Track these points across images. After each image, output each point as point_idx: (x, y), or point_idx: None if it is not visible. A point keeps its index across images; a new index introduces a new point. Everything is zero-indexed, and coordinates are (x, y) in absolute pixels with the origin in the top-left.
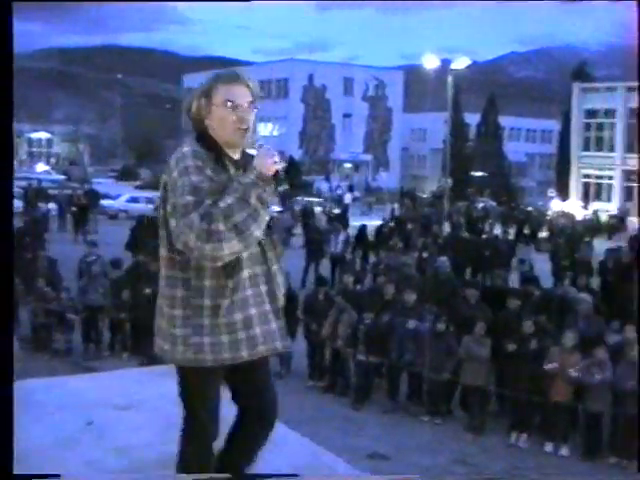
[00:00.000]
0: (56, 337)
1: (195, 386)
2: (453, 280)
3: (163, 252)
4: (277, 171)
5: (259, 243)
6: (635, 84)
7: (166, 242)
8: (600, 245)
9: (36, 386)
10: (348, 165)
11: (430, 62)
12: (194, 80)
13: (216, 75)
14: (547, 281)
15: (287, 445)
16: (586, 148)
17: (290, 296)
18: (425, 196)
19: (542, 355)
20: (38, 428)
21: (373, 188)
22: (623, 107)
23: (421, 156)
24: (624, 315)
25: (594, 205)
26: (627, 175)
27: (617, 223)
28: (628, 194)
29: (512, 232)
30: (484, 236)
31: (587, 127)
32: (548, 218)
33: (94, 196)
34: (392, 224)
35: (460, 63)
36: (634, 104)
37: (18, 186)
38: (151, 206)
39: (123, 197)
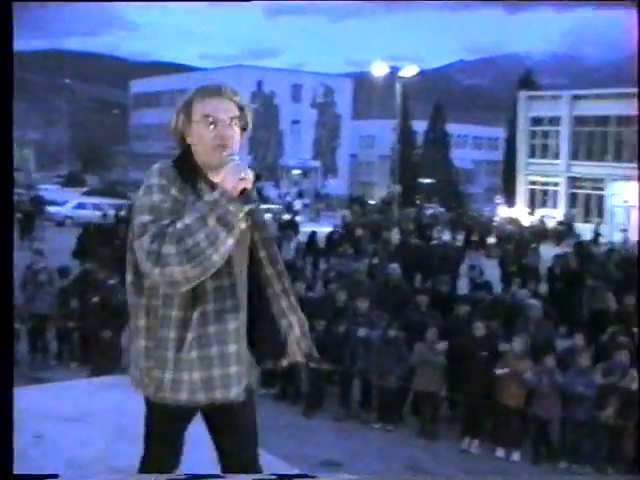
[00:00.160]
0: None
1: (156, 422)
2: (404, 286)
3: (128, 277)
4: (245, 189)
5: (230, 274)
6: (578, 92)
7: (132, 266)
8: (547, 251)
9: None
10: (297, 172)
11: (379, 70)
12: (142, 85)
13: (197, 88)
14: (496, 287)
15: None
16: (532, 155)
17: None
18: (374, 202)
19: (493, 360)
20: None
21: (322, 195)
22: (568, 115)
23: (369, 163)
24: (572, 321)
25: (540, 211)
26: (572, 182)
27: (565, 229)
28: (573, 200)
29: (460, 238)
30: (433, 242)
31: (533, 135)
32: (495, 224)
33: (40, 202)
34: (342, 230)
35: (408, 71)
36: (578, 112)
37: None
38: (98, 213)
39: (70, 204)
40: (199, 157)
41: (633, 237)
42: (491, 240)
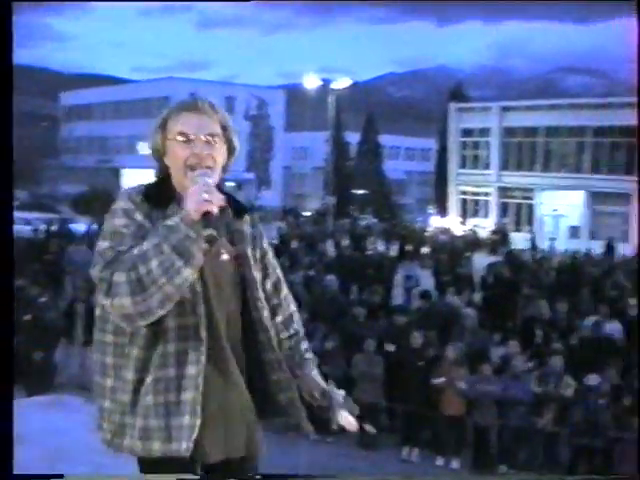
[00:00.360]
0: None
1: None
2: (341, 298)
3: (97, 310)
4: (208, 212)
5: (194, 312)
6: (508, 103)
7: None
8: (481, 260)
9: None
10: (231, 184)
11: (311, 82)
12: (72, 98)
13: (174, 104)
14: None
15: None
16: (463, 166)
17: None
18: (308, 214)
19: (431, 369)
20: None
21: (256, 207)
22: (497, 126)
23: (303, 174)
24: (506, 328)
25: (472, 221)
26: (502, 192)
27: (499, 238)
28: (504, 210)
29: (395, 249)
30: (368, 253)
31: (463, 146)
32: (429, 235)
33: None
34: (277, 243)
35: (340, 83)
36: (507, 123)
37: None
38: (29, 228)
39: None
40: (175, 179)
41: (560, 246)
42: (425, 250)
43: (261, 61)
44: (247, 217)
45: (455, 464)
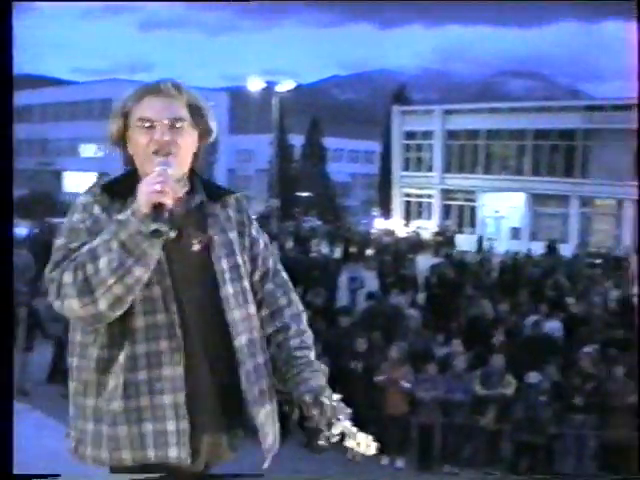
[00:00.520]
0: None
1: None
2: None
3: None
4: (161, 204)
5: (167, 310)
6: (450, 107)
7: None
8: (425, 261)
9: None
10: None
11: (254, 84)
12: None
13: (136, 88)
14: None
15: None
16: (406, 168)
17: None
18: (253, 217)
19: (374, 370)
20: None
21: None
22: (440, 129)
23: (247, 177)
24: (449, 328)
25: (415, 223)
26: (445, 194)
27: (444, 240)
28: (447, 212)
29: (339, 251)
30: (312, 255)
31: (407, 148)
32: (373, 236)
33: None
34: None
35: (284, 86)
36: (450, 126)
37: None
38: None
39: None
40: (140, 169)
41: (501, 247)
42: (369, 252)
43: (204, 63)
44: (232, 201)
45: (400, 463)
